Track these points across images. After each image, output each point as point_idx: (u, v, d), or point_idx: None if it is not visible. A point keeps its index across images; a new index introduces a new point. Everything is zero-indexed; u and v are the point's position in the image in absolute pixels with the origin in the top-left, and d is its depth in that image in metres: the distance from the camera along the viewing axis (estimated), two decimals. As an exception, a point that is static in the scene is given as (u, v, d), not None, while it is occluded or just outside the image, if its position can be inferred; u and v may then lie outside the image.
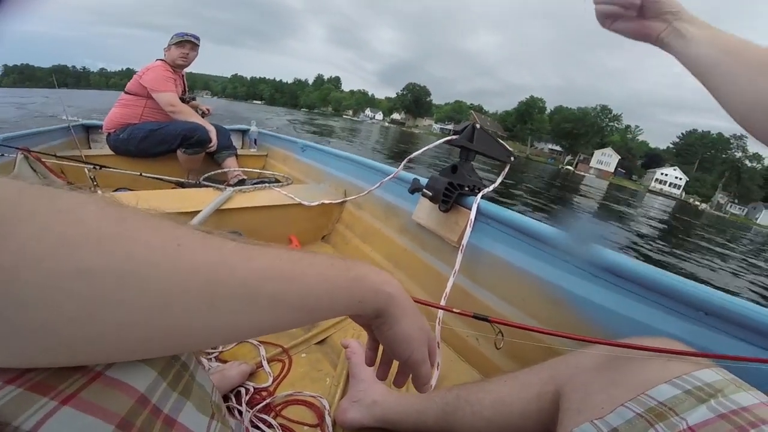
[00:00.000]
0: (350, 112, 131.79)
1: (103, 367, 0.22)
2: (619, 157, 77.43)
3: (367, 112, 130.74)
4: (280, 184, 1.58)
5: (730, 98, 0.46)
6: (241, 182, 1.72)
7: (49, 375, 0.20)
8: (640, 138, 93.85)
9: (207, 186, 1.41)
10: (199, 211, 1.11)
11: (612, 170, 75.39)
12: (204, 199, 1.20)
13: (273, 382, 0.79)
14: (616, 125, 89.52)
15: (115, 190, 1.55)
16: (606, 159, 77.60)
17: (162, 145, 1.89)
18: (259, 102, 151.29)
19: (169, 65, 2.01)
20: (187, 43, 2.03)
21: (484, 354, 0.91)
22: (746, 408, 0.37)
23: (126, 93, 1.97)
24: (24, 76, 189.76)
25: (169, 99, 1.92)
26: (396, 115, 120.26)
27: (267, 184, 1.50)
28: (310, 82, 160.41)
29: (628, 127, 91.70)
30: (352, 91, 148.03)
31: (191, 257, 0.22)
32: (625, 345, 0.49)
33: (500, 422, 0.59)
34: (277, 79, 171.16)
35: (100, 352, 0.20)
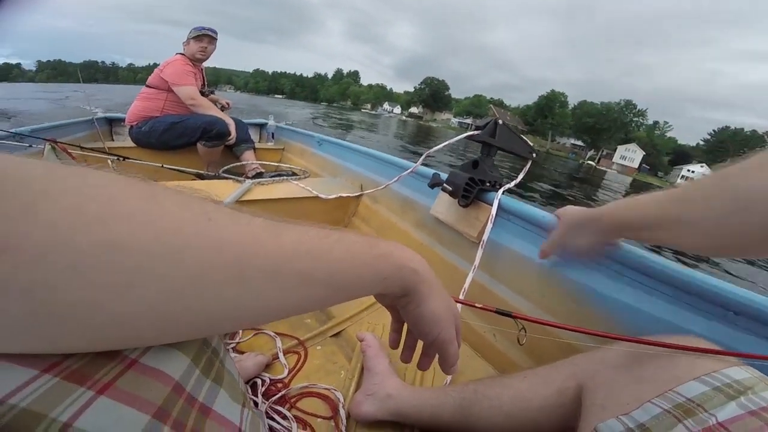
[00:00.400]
0: (368, 106, 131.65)
1: (137, 354, 0.21)
2: (644, 153, 74.72)
3: (386, 106, 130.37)
4: (298, 177, 1.59)
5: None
6: (259, 175, 1.73)
7: (85, 363, 0.19)
8: (669, 134, 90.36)
9: (227, 178, 1.42)
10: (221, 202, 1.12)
11: (636, 166, 72.87)
12: (224, 191, 1.21)
13: (288, 374, 0.78)
14: (640, 120, 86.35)
15: None
16: (630, 155, 75.05)
17: (182, 138, 1.91)
18: (281, 96, 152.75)
19: (188, 59, 2.02)
20: (205, 37, 2.03)
21: (501, 350, 0.89)
22: None
23: (147, 86, 2.00)
24: (57, 72, 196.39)
25: (189, 92, 1.93)
26: (414, 109, 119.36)
27: (285, 177, 1.50)
28: (330, 76, 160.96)
29: (656, 123, 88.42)
30: (370, 86, 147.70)
31: (221, 232, 0.21)
32: (651, 342, 0.48)
33: (519, 417, 0.58)
34: (298, 74, 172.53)
35: (133, 333, 0.19)
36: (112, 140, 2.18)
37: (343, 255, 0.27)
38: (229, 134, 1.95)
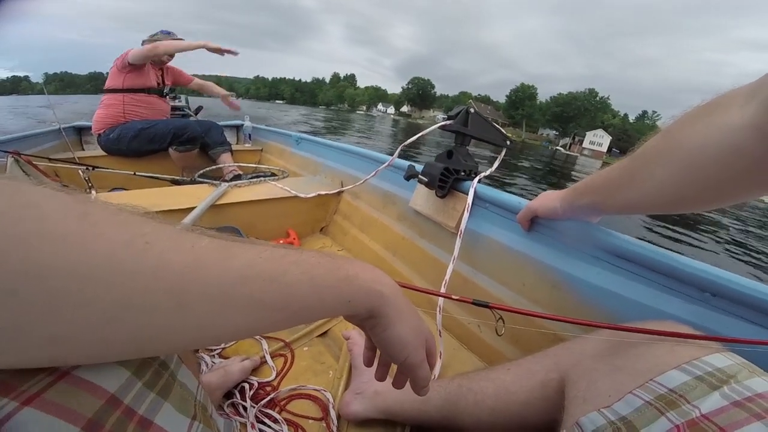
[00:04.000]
0: (364, 108, 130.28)
1: (71, 366, 0.19)
2: (611, 138, 74.49)
3: (379, 106, 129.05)
4: (276, 177, 1.45)
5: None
6: (237, 177, 1.58)
7: (10, 375, 0.18)
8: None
9: (202, 182, 1.29)
10: (194, 208, 1.01)
11: (605, 150, 72.74)
12: (199, 196, 1.09)
13: (276, 377, 0.72)
14: (605, 106, 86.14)
15: (110, 191, 1.44)
16: (598, 140, 74.89)
17: (153, 144, 1.72)
18: (281, 102, 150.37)
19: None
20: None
21: (486, 341, 0.80)
22: (761, 394, 0.32)
23: (105, 92, 1.77)
24: (65, 83, 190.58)
25: (143, 49, 1.66)
26: (404, 108, 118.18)
27: (262, 178, 1.37)
28: (327, 80, 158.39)
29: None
30: (366, 88, 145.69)
31: (159, 255, 0.19)
32: (629, 329, 0.44)
33: (504, 411, 0.53)
34: (297, 79, 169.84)
35: (63, 353, 0.18)
36: (82, 149, 1.98)
37: (301, 278, 0.24)
38: (202, 138, 1.78)
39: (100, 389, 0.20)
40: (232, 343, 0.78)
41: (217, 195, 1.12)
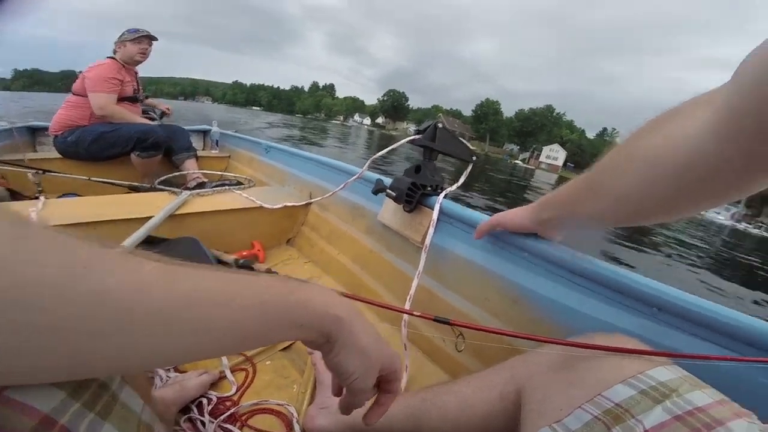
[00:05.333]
0: (341, 118, 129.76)
1: (1, 387, 0.19)
2: (566, 153, 78.58)
3: (356, 117, 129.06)
4: (243, 186, 1.35)
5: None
6: (201, 185, 1.47)
7: None
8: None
9: (162, 190, 1.18)
10: (150, 217, 0.91)
11: (560, 164, 76.58)
12: (157, 204, 0.99)
13: (237, 392, 0.67)
14: (557, 122, 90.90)
15: (61, 196, 1.29)
16: (554, 154, 78.77)
17: (114, 149, 1.58)
18: (258, 108, 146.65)
19: (120, 63, 1.68)
20: (145, 39, 1.72)
21: (451, 355, 0.78)
22: (701, 408, 0.32)
23: (73, 94, 1.63)
24: (33, 80, 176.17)
25: (100, 102, 1.56)
26: (379, 120, 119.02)
27: (227, 187, 1.28)
28: (306, 89, 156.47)
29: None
30: (345, 98, 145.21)
31: (99, 281, 0.18)
32: (579, 344, 0.43)
33: (466, 424, 0.51)
34: (275, 86, 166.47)
35: None
36: (35, 151, 1.79)
37: (251, 302, 0.24)
38: (166, 143, 1.66)
39: (33, 410, 0.19)
40: None
41: (177, 204, 1.02)
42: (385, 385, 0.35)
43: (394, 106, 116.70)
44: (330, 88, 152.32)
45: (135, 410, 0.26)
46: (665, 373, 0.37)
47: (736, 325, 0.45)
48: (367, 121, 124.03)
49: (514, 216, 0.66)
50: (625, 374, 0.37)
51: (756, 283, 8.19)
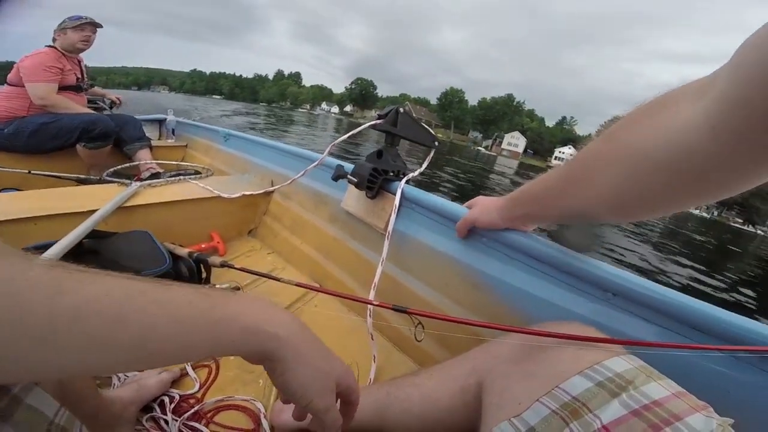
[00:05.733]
0: (308, 106, 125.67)
1: None
2: (526, 140, 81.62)
3: (323, 105, 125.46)
4: (200, 176, 1.28)
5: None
6: (156, 176, 1.38)
7: None
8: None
9: (111, 182, 1.09)
10: (96, 211, 0.83)
11: (521, 151, 79.52)
12: (104, 197, 0.91)
13: (200, 389, 0.65)
14: (517, 110, 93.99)
15: None
16: (514, 141, 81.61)
17: (56, 140, 1.46)
18: (219, 97, 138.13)
19: (60, 52, 1.55)
20: (88, 26, 1.59)
21: (417, 344, 0.77)
22: (658, 402, 0.32)
23: (8, 84, 1.49)
24: None
25: (39, 91, 1.44)
26: (347, 108, 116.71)
27: (182, 177, 1.19)
28: (271, 77, 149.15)
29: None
30: (312, 86, 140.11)
31: None
32: (537, 332, 0.42)
33: (429, 418, 0.50)
34: (237, 75, 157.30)
35: None
36: None
37: (161, 319, 0.22)
38: (116, 133, 1.55)
39: None
40: None
41: (125, 196, 0.94)
42: (343, 400, 0.34)
43: (362, 95, 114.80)
44: (296, 77, 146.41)
45: (45, 413, 0.25)
46: (621, 363, 0.36)
47: (689, 311, 0.45)
48: (335, 109, 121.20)
49: (484, 213, 0.64)
50: (582, 365, 0.37)
51: (699, 258, 9.07)
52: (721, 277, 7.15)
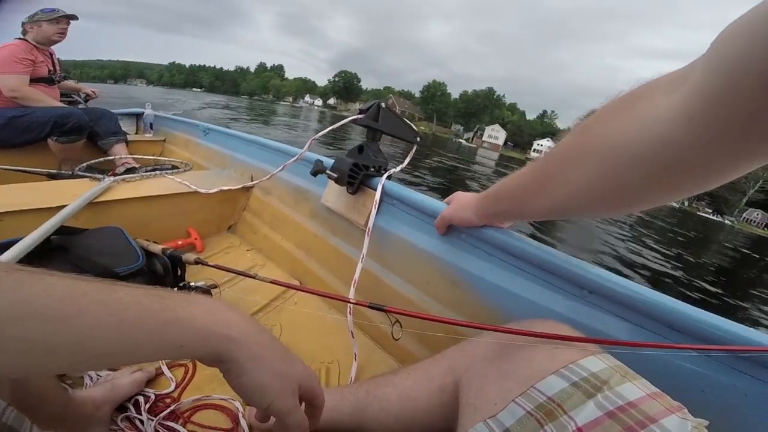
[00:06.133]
0: (290, 99, 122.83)
1: None
2: (506, 133, 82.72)
3: (307, 98, 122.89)
4: (177, 170, 1.23)
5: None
6: (131, 171, 1.32)
7: None
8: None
9: (83, 176, 1.04)
10: (66, 206, 0.79)
11: (501, 143, 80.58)
12: (75, 192, 0.86)
13: (177, 388, 0.63)
14: (498, 104, 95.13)
15: None
16: (495, 134, 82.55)
17: (26, 134, 1.39)
18: (199, 90, 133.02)
19: (31, 44, 1.48)
20: (63, 18, 1.53)
21: (398, 342, 0.77)
22: (633, 403, 0.31)
23: None
24: None
25: (11, 83, 1.39)
26: (331, 101, 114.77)
27: (159, 172, 1.14)
28: (252, 70, 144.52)
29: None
30: (295, 79, 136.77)
31: None
32: (512, 331, 0.41)
33: (407, 418, 0.49)
34: (218, 67, 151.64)
35: None
36: None
37: (104, 320, 0.21)
38: (90, 127, 1.48)
39: None
40: None
41: (97, 191, 0.89)
42: (307, 403, 0.33)
43: (345, 87, 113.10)
44: (279, 69, 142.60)
45: None
46: (597, 362, 0.35)
47: (663, 310, 0.44)
48: (319, 102, 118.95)
49: (460, 210, 0.63)
50: (558, 364, 0.36)
51: (669, 240, 9.44)
52: (686, 263, 7.54)
